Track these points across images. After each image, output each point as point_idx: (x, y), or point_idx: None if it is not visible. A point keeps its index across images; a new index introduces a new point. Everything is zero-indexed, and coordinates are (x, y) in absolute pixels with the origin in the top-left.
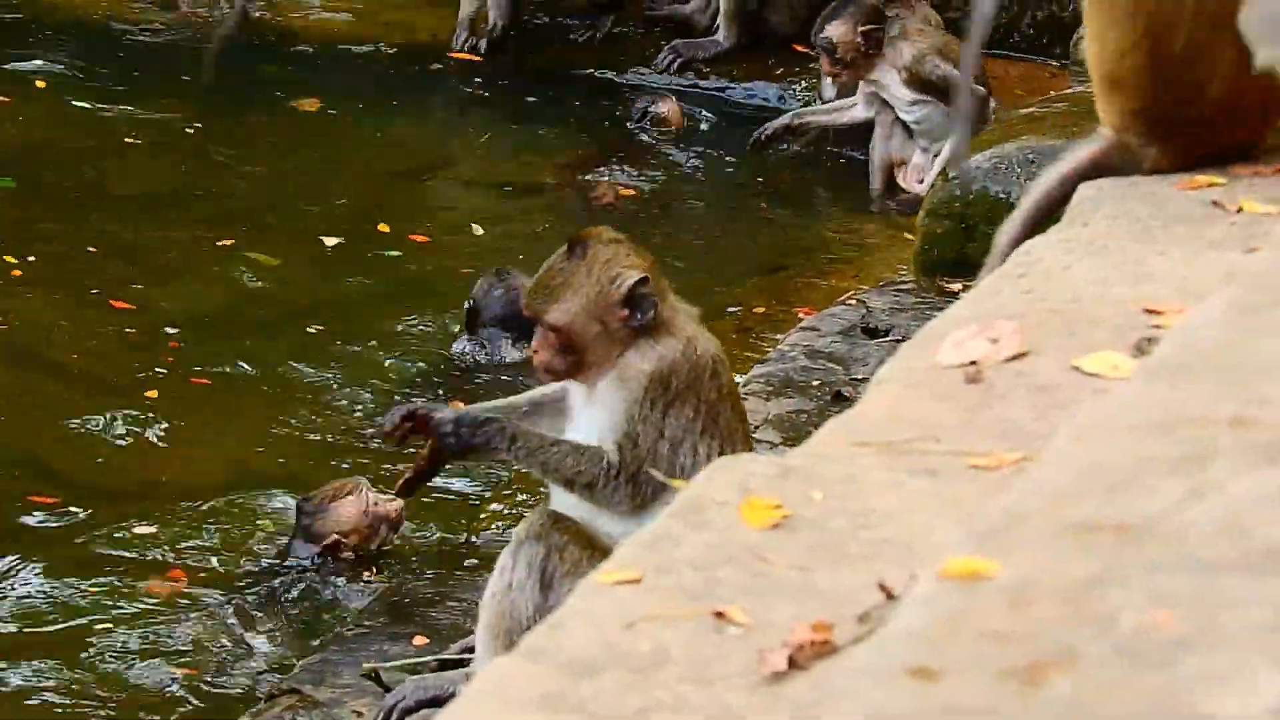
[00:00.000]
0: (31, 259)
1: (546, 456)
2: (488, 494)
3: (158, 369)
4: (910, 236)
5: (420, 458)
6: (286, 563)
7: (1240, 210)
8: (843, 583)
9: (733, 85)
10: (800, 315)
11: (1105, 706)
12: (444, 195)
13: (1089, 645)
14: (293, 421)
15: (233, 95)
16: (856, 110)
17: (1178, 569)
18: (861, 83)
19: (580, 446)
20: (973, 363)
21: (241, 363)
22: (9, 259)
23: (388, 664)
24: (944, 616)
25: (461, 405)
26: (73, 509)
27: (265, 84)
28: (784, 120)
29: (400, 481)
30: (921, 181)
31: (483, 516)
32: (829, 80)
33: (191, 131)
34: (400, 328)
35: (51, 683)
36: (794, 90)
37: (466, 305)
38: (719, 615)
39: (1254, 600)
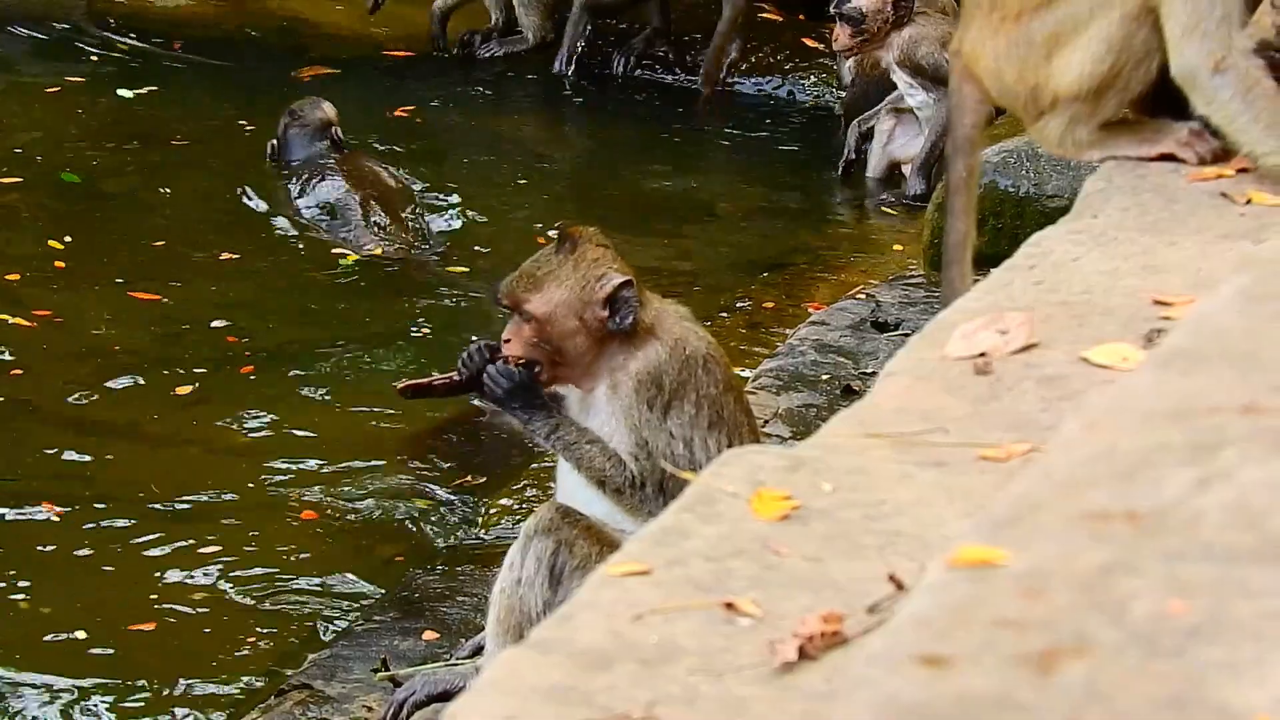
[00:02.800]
0: (74, 247)
1: (581, 452)
2: (496, 489)
3: (198, 367)
4: (926, 210)
5: (444, 375)
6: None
7: (1249, 201)
8: (853, 574)
9: (740, 80)
10: (809, 310)
11: (1119, 694)
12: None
13: (1102, 633)
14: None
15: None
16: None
17: (1190, 558)
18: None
19: (611, 451)
20: (982, 354)
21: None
22: (54, 245)
23: (402, 668)
24: (955, 604)
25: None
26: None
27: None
28: (853, 136)
29: (407, 381)
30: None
31: (492, 511)
32: (846, 59)
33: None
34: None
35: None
36: (802, 85)
37: (271, 144)
38: (729, 607)
39: (1267, 589)
